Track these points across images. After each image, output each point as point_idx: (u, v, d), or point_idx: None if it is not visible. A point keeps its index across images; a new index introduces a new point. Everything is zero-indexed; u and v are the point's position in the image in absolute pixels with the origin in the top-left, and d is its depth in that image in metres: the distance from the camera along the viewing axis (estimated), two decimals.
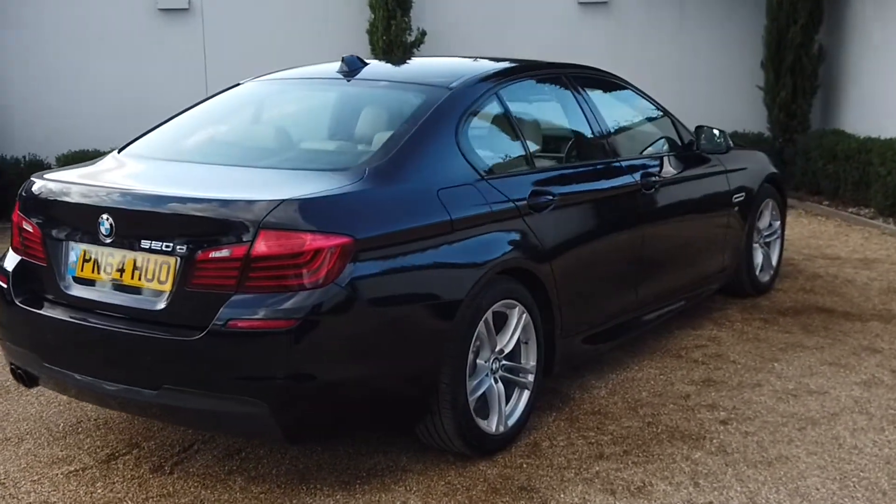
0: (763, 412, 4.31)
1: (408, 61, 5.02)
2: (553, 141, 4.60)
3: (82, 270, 3.59)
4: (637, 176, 4.77)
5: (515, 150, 4.25)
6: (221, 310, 3.20)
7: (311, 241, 3.20)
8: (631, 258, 4.72)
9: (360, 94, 4.39)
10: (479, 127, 4.13)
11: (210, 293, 3.25)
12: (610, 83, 5.16)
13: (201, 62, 10.25)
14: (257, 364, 3.22)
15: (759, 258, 6.21)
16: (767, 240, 6.34)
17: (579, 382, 4.70)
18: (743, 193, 5.81)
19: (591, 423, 4.22)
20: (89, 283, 3.57)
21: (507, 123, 4.24)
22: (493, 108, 4.23)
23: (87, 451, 3.97)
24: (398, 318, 3.46)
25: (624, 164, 4.76)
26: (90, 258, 3.57)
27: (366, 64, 4.52)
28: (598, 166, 4.64)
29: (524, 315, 3.96)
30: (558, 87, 4.73)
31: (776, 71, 10.42)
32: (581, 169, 4.55)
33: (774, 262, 6.41)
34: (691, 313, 5.75)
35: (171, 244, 3.33)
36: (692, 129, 5.52)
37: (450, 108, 3.95)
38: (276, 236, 3.20)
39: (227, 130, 4.37)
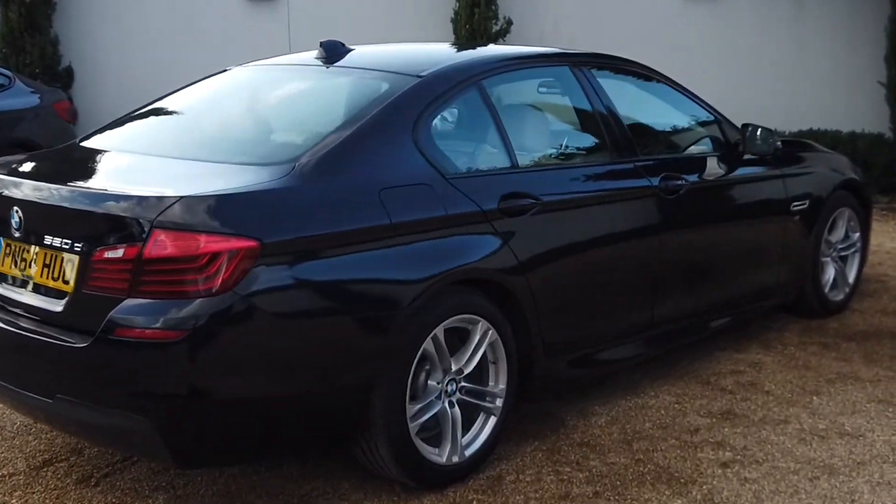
0: (776, 455, 3.73)
1: (402, 47, 4.61)
2: (547, 139, 4.13)
3: (2, 265, 3.39)
4: (656, 179, 4.23)
5: (495, 147, 3.81)
6: (109, 316, 2.92)
7: (208, 243, 2.88)
8: (644, 272, 4.20)
9: (327, 83, 4.04)
10: (450, 120, 3.73)
11: (104, 297, 2.97)
12: (636, 75, 4.62)
13: (286, 50, 10.13)
14: (144, 377, 2.92)
15: (829, 274, 5.51)
16: (843, 253, 5.63)
17: (580, 407, 4.21)
18: (806, 201, 5.15)
19: (572, 456, 3.75)
20: (3, 278, 3.37)
21: (488, 118, 3.80)
22: (472, 100, 3.80)
23: (26, 455, 3.79)
24: (317, 332, 3.10)
25: (640, 165, 4.23)
26: (8, 252, 3.36)
27: (349, 50, 4.16)
28: (604, 168, 4.14)
29: (490, 332, 3.53)
30: (563, 78, 4.24)
31: None
32: (579, 170, 4.06)
33: (851, 278, 5.68)
34: (740, 333, 5.14)
35: (73, 242, 3.07)
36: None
37: (412, 98, 3.56)
38: (170, 237, 2.89)
39: (185, 120, 4.09)
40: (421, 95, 3.58)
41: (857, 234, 5.68)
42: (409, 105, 3.52)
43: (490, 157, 3.81)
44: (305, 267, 3.04)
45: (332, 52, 4.07)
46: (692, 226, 4.45)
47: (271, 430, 3.09)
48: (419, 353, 3.30)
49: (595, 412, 4.17)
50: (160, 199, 2.93)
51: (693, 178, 4.52)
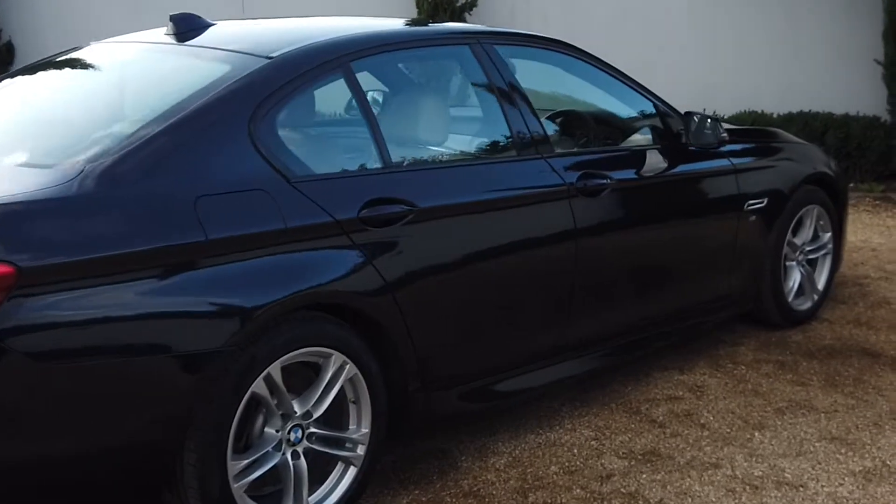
0: None
1: (270, 22, 3.95)
2: (433, 132, 3.50)
3: None
4: (573, 178, 3.61)
5: (361, 145, 3.20)
6: None
7: None
8: (555, 287, 3.59)
9: (165, 66, 3.42)
10: (303, 112, 3.12)
11: None
12: (558, 56, 3.96)
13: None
14: None
15: (794, 280, 4.88)
16: (811, 256, 4.99)
17: (481, 443, 3.62)
18: (765, 199, 4.51)
19: None
20: None
21: (355, 107, 3.18)
22: (335, 87, 3.19)
23: None
24: (102, 377, 2.52)
25: (554, 162, 3.60)
26: None
27: (208, 25, 3.54)
28: (504, 166, 3.52)
29: (347, 367, 2.93)
30: (461, 60, 3.62)
31: None
32: (471, 169, 3.44)
33: (821, 284, 5.04)
34: (688, 349, 4.53)
35: None
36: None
37: (252, 84, 2.95)
38: None
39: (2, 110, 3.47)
40: (265, 80, 2.97)
41: (829, 235, 5.04)
42: (248, 93, 2.91)
43: (355, 155, 3.20)
44: (82, 297, 2.44)
45: (185, 28, 3.45)
46: (619, 230, 3.83)
47: (53, 488, 2.51)
48: (245, 396, 2.71)
49: (496, 451, 3.57)
50: None
51: (623, 174, 3.90)
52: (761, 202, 4.50)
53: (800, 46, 9.32)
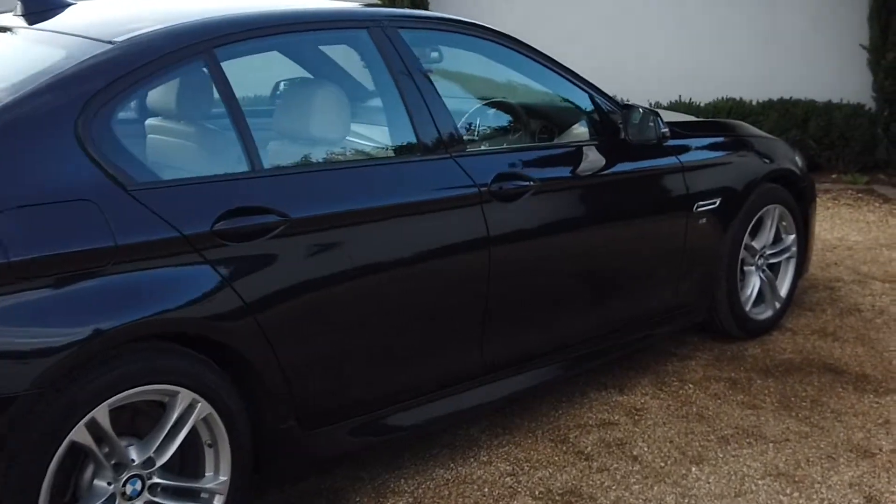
0: None
1: (136, 3, 3.44)
2: (316, 130, 3.05)
3: None
4: (486, 179, 3.17)
5: (224, 145, 2.77)
6: None
7: None
8: (461, 305, 3.16)
9: (7, 53, 2.95)
10: (151, 107, 2.67)
11: None
12: (478, 43, 3.51)
13: None
14: None
15: (753, 287, 4.45)
16: (773, 261, 4.56)
17: (381, 481, 3.21)
18: (717, 199, 4.08)
19: None
20: None
21: (218, 102, 2.75)
22: (194, 78, 2.76)
23: None
24: None
25: (465, 162, 3.16)
26: None
27: (67, 4, 3.10)
28: (401, 167, 3.08)
29: (199, 405, 2.51)
30: (356, 45, 3.18)
31: (884, 26, 8.26)
32: (359, 172, 2.99)
33: (784, 290, 4.61)
34: (633, 363, 4.11)
35: None
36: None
37: (82, 75, 2.51)
38: None
39: None
40: (102, 70, 2.54)
41: (792, 237, 4.61)
42: (77, 84, 2.48)
43: (215, 157, 2.77)
44: None
45: (37, 8, 3.01)
46: (543, 239, 3.40)
47: None
48: (62, 447, 2.29)
49: (397, 489, 3.16)
50: None
51: (549, 175, 3.48)
52: (713, 203, 4.07)
53: (780, 30, 8.86)
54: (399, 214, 2.95)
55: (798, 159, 4.72)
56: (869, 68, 8.51)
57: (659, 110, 5.65)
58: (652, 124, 3.63)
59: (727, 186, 4.15)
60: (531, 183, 3.30)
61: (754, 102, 8.60)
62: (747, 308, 4.40)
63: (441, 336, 3.12)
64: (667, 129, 3.71)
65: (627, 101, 8.93)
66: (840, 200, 7.59)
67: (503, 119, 3.70)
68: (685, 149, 4.02)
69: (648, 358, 4.21)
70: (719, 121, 4.84)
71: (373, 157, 3.11)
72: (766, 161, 4.41)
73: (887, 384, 3.94)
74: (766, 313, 4.51)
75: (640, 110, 3.66)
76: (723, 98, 8.71)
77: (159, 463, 2.49)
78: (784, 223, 4.56)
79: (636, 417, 3.66)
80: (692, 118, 4.94)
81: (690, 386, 3.95)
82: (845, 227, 6.73)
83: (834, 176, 8.46)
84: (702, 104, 8.68)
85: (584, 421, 3.64)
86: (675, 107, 8.73)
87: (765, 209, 4.39)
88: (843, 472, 3.24)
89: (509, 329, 3.32)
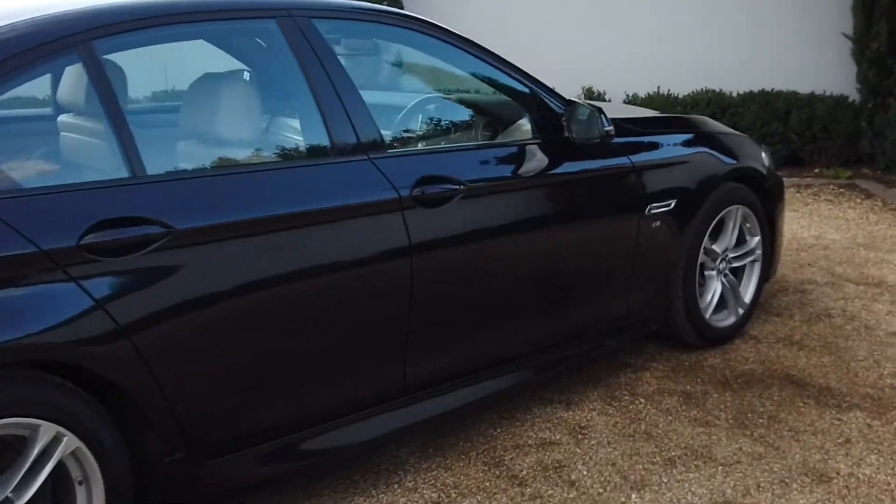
0: None
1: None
2: (211, 131, 2.79)
3: None
4: (409, 182, 2.92)
5: (99, 149, 2.50)
6: None
7: None
8: (379, 321, 2.91)
9: None
10: (15, 106, 2.41)
11: None
12: (409, 35, 3.24)
13: None
14: None
15: (714, 293, 4.20)
16: (737, 264, 4.31)
17: None
18: (672, 200, 3.82)
19: None
20: None
21: (97, 101, 2.48)
22: (66, 74, 2.48)
23: None
24: None
25: (384, 164, 2.90)
26: None
27: None
28: (307, 171, 2.82)
29: (65, 439, 2.26)
30: (263, 38, 2.92)
31: (868, 14, 7.99)
32: (258, 177, 2.72)
33: (749, 296, 4.36)
34: (583, 375, 3.87)
35: None
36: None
37: None
38: None
39: None
40: None
41: (757, 239, 4.35)
42: None
43: (88, 162, 2.51)
44: None
45: None
46: (474, 246, 3.15)
47: None
48: None
49: None
50: None
51: (482, 177, 3.21)
52: (668, 204, 3.82)
53: (761, 19, 8.59)
54: (304, 223, 2.69)
55: (765, 157, 4.46)
56: (853, 59, 8.26)
57: (623, 105, 5.41)
58: (595, 122, 3.37)
59: (684, 187, 3.90)
60: (460, 186, 3.04)
61: (734, 94, 8.34)
62: (707, 315, 4.15)
63: (358, 354, 2.87)
64: (611, 128, 3.44)
65: (604, 93, 8.69)
66: (820, 196, 7.34)
67: (434, 117, 3.45)
68: (638, 147, 3.76)
69: (601, 368, 3.96)
70: (682, 116, 4.58)
71: (276, 161, 2.84)
72: (729, 159, 4.16)
73: (851, 398, 3.69)
74: (728, 320, 4.27)
75: (584, 107, 3.40)
76: (702, 90, 8.45)
77: (18, 503, 2.23)
78: (748, 225, 4.31)
79: (579, 436, 3.41)
80: (654, 114, 4.67)
81: (642, 400, 3.70)
82: (823, 224, 6.48)
83: (816, 170, 8.20)
84: (680, 96, 8.42)
85: (523, 441, 3.39)
86: (653, 99, 8.46)
87: (726, 210, 4.14)
88: (796, 499, 2.99)
89: (436, 345, 3.07)
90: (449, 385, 3.15)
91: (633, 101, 8.55)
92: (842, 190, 7.56)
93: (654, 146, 3.87)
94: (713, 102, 8.19)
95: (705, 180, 4.00)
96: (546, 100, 3.50)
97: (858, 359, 4.08)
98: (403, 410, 3.02)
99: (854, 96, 8.28)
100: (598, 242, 3.58)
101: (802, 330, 4.42)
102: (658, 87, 8.60)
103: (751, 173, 4.27)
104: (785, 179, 7.88)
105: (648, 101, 8.41)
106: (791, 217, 6.59)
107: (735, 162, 4.18)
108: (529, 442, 3.38)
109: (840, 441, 3.36)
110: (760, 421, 3.52)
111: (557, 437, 3.41)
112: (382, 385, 2.97)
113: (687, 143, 4.05)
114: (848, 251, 5.78)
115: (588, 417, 3.57)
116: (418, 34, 3.23)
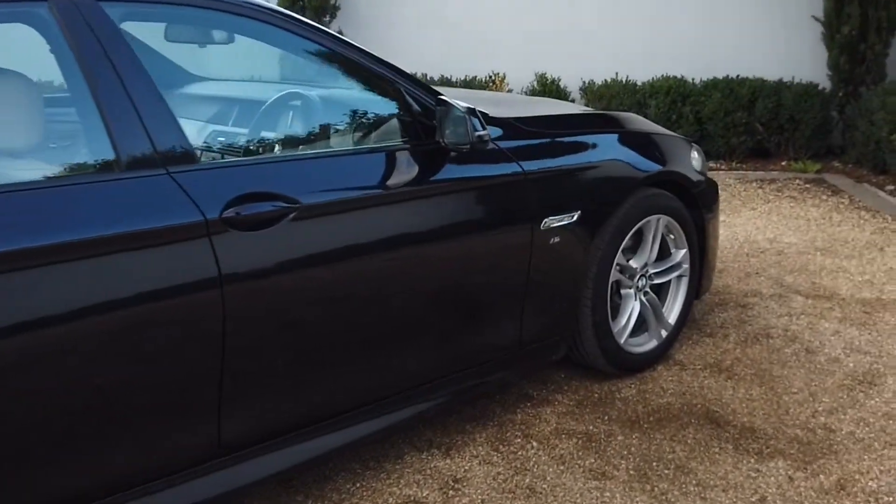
0: None
1: None
2: None
3: None
4: (220, 202, 2.40)
5: None
6: None
7: None
8: (186, 367, 2.39)
9: None
10: None
11: None
12: (241, 22, 2.70)
13: None
14: None
15: (630, 314, 3.70)
16: (658, 281, 3.80)
17: None
18: (575, 212, 3.31)
19: None
20: None
21: None
22: None
23: None
24: None
25: (186, 179, 2.39)
26: None
27: None
28: (78, 190, 2.29)
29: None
30: (30, 24, 2.38)
31: None
32: (7, 197, 2.19)
33: (674, 316, 3.87)
34: (479, 412, 3.38)
35: None
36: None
37: None
38: None
39: None
40: None
41: (684, 252, 3.84)
42: None
43: None
44: None
45: None
46: (313, 274, 2.63)
47: None
48: None
49: None
50: None
51: (325, 190, 2.69)
52: (570, 217, 3.31)
53: (729, 3, 8.07)
54: (75, 256, 2.17)
55: (696, 160, 3.95)
56: (823, 43, 7.75)
57: (538, 99, 4.85)
58: (464, 125, 2.85)
59: (591, 196, 3.39)
60: (291, 205, 2.53)
61: (697, 81, 7.82)
62: (622, 340, 3.65)
63: (153, 413, 2.36)
64: (484, 132, 2.92)
65: (558, 80, 8.15)
66: (783, 193, 6.84)
67: (270, 120, 2.92)
68: (533, 152, 3.25)
69: (498, 402, 3.48)
70: (605, 114, 4.04)
71: (34, 180, 2.31)
72: (650, 163, 3.65)
73: (776, 442, 3.19)
74: (648, 344, 3.77)
75: (455, 107, 2.88)
76: (663, 76, 7.93)
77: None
78: (672, 236, 3.80)
79: (450, 492, 2.92)
80: (572, 111, 4.14)
81: (534, 444, 3.21)
82: (782, 225, 5.98)
83: (784, 163, 7.71)
84: (639, 83, 7.89)
85: (383, 498, 2.90)
86: (610, 86, 7.93)
87: (645, 221, 3.63)
88: None
89: (262, 394, 2.56)
90: (281, 441, 2.65)
91: (589, 87, 8.02)
92: (807, 185, 7.06)
93: (555, 150, 3.36)
94: (673, 90, 7.67)
95: (617, 188, 3.50)
96: (419, 98, 2.98)
97: (792, 391, 3.58)
98: (217, 475, 2.51)
99: (824, 84, 7.77)
100: (479, 262, 3.06)
101: (735, 354, 3.92)
102: (616, 73, 8.07)
103: (676, 178, 3.76)
104: (749, 173, 7.41)
105: (605, 89, 7.88)
106: (748, 217, 6.09)
107: (657, 166, 3.66)
108: (390, 500, 2.88)
109: (753, 500, 2.86)
110: (666, 472, 3.02)
111: (424, 495, 2.91)
112: (190, 447, 2.46)
113: (598, 146, 3.54)
114: (803, 257, 5.28)
115: (467, 467, 3.07)
116: (250, 20, 2.70)
